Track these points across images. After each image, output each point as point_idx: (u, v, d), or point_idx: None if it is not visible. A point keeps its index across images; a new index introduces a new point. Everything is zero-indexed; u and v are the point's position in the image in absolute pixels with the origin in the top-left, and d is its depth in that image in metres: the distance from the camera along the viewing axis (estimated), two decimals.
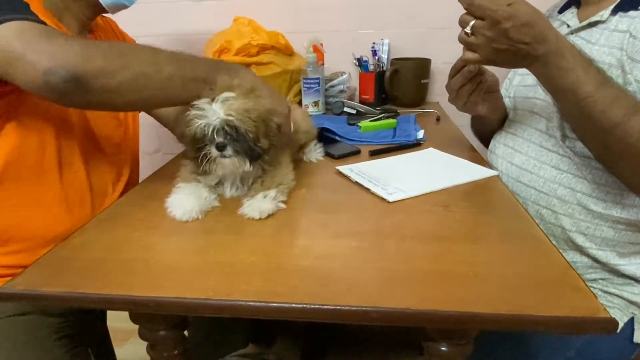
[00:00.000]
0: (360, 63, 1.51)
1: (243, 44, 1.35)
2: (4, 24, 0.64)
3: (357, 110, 1.36)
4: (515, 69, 1.06)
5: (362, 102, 1.50)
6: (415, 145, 1.05)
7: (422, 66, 1.49)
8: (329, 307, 0.49)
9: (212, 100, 0.68)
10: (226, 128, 0.68)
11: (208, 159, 0.71)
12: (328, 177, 0.88)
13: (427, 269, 0.56)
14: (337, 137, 1.09)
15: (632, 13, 0.77)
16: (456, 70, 0.84)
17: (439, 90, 1.57)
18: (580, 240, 0.81)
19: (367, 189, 0.79)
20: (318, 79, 1.37)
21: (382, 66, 1.50)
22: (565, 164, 0.81)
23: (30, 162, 0.78)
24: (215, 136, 0.69)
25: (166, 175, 0.82)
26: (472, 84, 0.86)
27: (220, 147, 0.69)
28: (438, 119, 1.32)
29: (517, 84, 1.02)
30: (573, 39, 0.84)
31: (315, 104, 1.40)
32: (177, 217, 0.69)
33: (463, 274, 0.55)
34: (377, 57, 1.51)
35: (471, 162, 0.92)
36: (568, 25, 0.89)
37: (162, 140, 1.75)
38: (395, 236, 0.64)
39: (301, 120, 0.94)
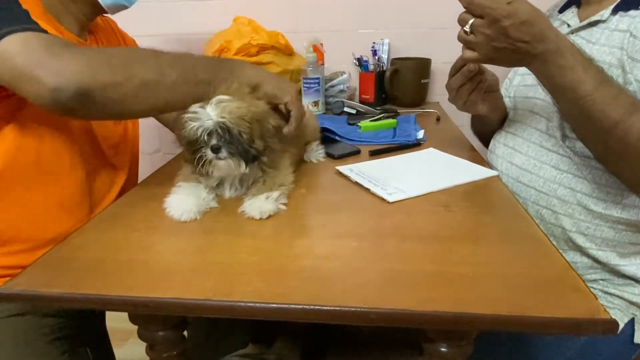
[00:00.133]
0: (360, 63, 1.51)
1: (243, 43, 1.35)
2: (7, 38, 0.64)
3: (357, 110, 1.36)
4: (516, 69, 1.06)
5: (362, 102, 1.50)
6: (415, 145, 1.05)
7: (422, 66, 1.49)
8: (328, 308, 0.49)
9: (207, 103, 0.69)
10: (219, 130, 0.68)
11: (204, 161, 0.71)
12: (328, 177, 0.88)
13: (427, 269, 0.56)
14: (337, 137, 1.08)
15: (632, 12, 0.77)
16: (456, 69, 0.84)
17: (439, 90, 1.57)
18: (580, 240, 0.81)
19: (367, 189, 0.78)
20: (318, 78, 1.37)
21: (382, 66, 1.50)
22: (565, 164, 0.81)
23: (29, 163, 0.78)
24: (209, 139, 0.69)
25: (166, 176, 0.82)
26: (471, 83, 0.86)
27: (215, 150, 0.69)
28: (438, 119, 1.32)
29: (517, 84, 1.02)
30: (573, 38, 0.84)
31: (315, 104, 1.40)
32: (175, 217, 0.69)
33: (463, 274, 0.54)
34: (377, 57, 1.51)
35: (471, 162, 0.92)
36: (568, 25, 0.89)
37: (162, 140, 1.74)
38: (395, 236, 0.64)
39: (307, 119, 0.94)
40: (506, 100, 1.03)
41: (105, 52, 0.77)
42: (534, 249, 0.60)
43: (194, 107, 0.69)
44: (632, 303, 0.82)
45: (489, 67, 0.84)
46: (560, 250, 0.59)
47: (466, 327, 0.53)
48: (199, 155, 0.70)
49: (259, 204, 0.70)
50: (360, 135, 1.13)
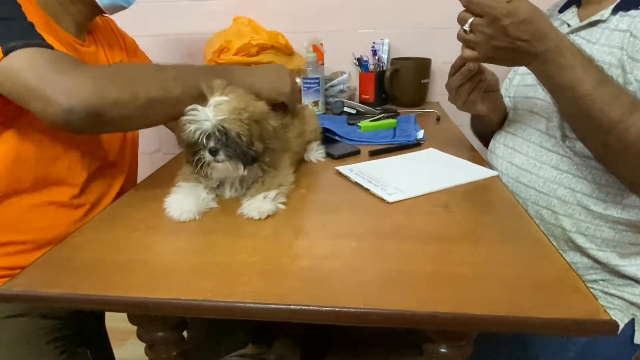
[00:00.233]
0: (360, 63, 1.51)
1: (243, 43, 1.35)
2: (14, 53, 0.65)
3: (357, 110, 1.36)
4: (516, 69, 1.06)
5: (362, 102, 1.50)
6: (415, 145, 1.05)
7: (422, 66, 1.49)
8: (328, 308, 0.49)
9: (205, 104, 0.68)
10: (217, 133, 0.68)
11: (203, 163, 0.71)
12: (328, 177, 0.88)
13: (426, 269, 0.56)
14: (337, 137, 1.08)
15: (632, 12, 0.77)
16: (456, 68, 0.84)
17: (439, 90, 1.57)
18: (580, 240, 0.80)
19: (367, 190, 0.78)
20: (318, 78, 1.37)
21: (382, 66, 1.50)
22: (565, 164, 0.81)
23: (28, 167, 0.78)
24: (207, 141, 0.69)
25: (166, 176, 0.82)
26: (471, 83, 0.86)
27: (213, 152, 0.69)
28: (438, 119, 1.32)
29: (517, 84, 1.02)
30: (573, 38, 0.84)
31: (315, 103, 1.40)
32: (174, 218, 0.69)
33: (463, 274, 0.54)
34: (377, 57, 1.50)
35: (471, 162, 0.91)
36: (568, 25, 0.89)
37: (162, 140, 1.74)
38: (395, 237, 0.64)
39: (309, 119, 0.94)
40: (506, 100, 1.03)
41: (111, 70, 0.78)
42: (533, 249, 0.60)
43: (193, 106, 0.69)
44: (632, 303, 0.82)
45: (489, 66, 0.84)
46: (560, 251, 0.59)
47: (466, 328, 0.53)
48: (197, 157, 0.70)
49: (257, 205, 0.69)
50: (360, 135, 1.13)
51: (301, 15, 1.57)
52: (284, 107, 0.85)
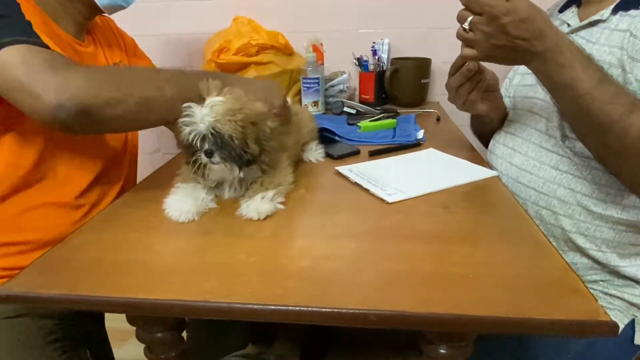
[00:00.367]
0: (360, 63, 1.51)
1: (242, 43, 1.35)
2: (6, 49, 0.65)
3: (357, 110, 1.36)
4: (516, 69, 1.06)
5: (362, 102, 1.50)
6: (415, 145, 1.05)
7: (422, 66, 1.48)
8: (327, 309, 0.49)
9: (201, 105, 0.68)
10: (211, 135, 0.68)
11: (200, 165, 0.70)
12: (327, 177, 0.88)
13: (426, 270, 0.56)
14: (336, 137, 1.08)
15: (632, 12, 0.77)
16: (455, 68, 0.84)
17: (439, 90, 1.57)
18: (580, 241, 0.80)
19: (367, 190, 0.78)
20: (318, 78, 1.37)
21: (382, 66, 1.50)
22: (565, 164, 0.81)
23: (27, 169, 0.78)
24: (202, 143, 0.68)
25: (165, 176, 0.82)
26: (471, 83, 0.86)
27: (208, 154, 0.69)
28: (438, 119, 1.32)
29: (517, 84, 1.02)
30: (573, 38, 0.84)
31: (315, 103, 1.40)
32: (173, 218, 0.69)
33: (462, 275, 0.54)
34: (377, 57, 1.50)
35: (471, 162, 0.91)
36: (568, 25, 0.89)
37: (162, 140, 1.74)
38: (394, 237, 0.64)
39: (305, 120, 0.94)
40: (506, 100, 1.03)
41: (104, 70, 0.78)
42: (533, 249, 0.60)
43: (189, 104, 0.68)
44: (632, 304, 0.81)
45: (489, 66, 0.83)
46: (560, 251, 0.59)
47: (465, 329, 0.52)
48: (194, 158, 0.70)
49: (256, 205, 0.69)
50: (359, 135, 1.13)
51: (301, 15, 1.57)
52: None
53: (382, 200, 0.75)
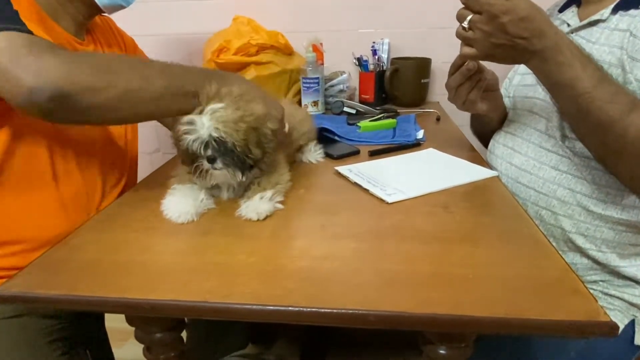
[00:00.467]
0: (360, 62, 1.50)
1: (242, 43, 1.35)
2: None
3: (357, 110, 1.36)
4: (515, 68, 1.06)
5: (362, 101, 1.50)
6: (415, 145, 1.05)
7: (422, 66, 1.48)
8: (327, 310, 0.49)
9: (201, 111, 0.67)
10: (213, 142, 0.67)
11: (202, 170, 0.70)
12: (327, 177, 0.88)
13: (426, 270, 0.56)
14: (336, 137, 1.08)
15: (632, 12, 0.77)
16: (455, 67, 0.84)
17: (439, 90, 1.57)
18: (580, 241, 0.80)
19: (366, 190, 0.78)
20: (317, 78, 1.37)
21: (382, 66, 1.50)
22: (564, 164, 0.81)
23: (24, 167, 0.78)
24: (204, 150, 0.68)
25: (165, 176, 0.81)
26: (471, 82, 0.86)
27: (211, 160, 0.69)
28: (438, 119, 1.32)
29: (517, 84, 1.01)
30: (573, 37, 0.84)
31: (315, 103, 1.40)
32: (172, 219, 0.69)
33: (462, 275, 0.54)
34: (377, 57, 1.50)
35: (471, 162, 0.91)
36: (568, 24, 0.89)
37: (161, 140, 1.74)
38: (394, 237, 0.64)
39: (302, 121, 0.94)
40: (506, 100, 1.03)
41: (90, 56, 0.75)
42: (533, 250, 0.60)
43: (189, 117, 0.68)
44: (632, 304, 0.81)
45: (489, 66, 0.83)
46: (560, 252, 0.58)
47: (465, 330, 0.52)
48: (196, 164, 0.70)
49: (255, 206, 0.69)
50: (359, 135, 1.13)
51: (301, 15, 1.57)
52: None
53: (381, 200, 0.74)
